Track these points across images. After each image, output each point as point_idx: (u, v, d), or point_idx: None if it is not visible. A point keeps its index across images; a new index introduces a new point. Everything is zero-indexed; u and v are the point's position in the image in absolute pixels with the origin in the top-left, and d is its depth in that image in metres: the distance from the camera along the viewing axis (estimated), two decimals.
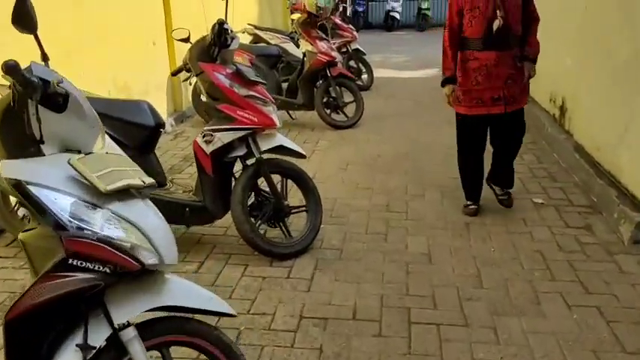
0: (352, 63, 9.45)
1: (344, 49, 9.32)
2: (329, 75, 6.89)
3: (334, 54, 6.90)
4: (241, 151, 3.64)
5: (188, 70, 3.83)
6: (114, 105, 3.55)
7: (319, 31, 6.95)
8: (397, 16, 19.49)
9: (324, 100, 7.03)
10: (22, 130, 1.70)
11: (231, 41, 3.65)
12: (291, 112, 7.15)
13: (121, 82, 6.05)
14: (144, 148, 3.60)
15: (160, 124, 3.67)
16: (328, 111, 7.05)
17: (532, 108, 6.85)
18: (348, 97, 7.20)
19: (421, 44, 15.91)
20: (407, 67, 11.80)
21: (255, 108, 3.61)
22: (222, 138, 3.55)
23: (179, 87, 7.50)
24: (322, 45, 6.84)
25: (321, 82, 7.00)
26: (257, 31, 9.29)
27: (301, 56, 7.19)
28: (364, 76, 9.58)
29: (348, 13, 20.52)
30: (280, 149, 3.78)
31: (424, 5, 19.34)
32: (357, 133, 6.82)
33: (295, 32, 7.53)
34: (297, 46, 8.08)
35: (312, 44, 6.83)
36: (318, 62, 6.81)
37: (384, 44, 16.10)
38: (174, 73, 4.12)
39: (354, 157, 5.95)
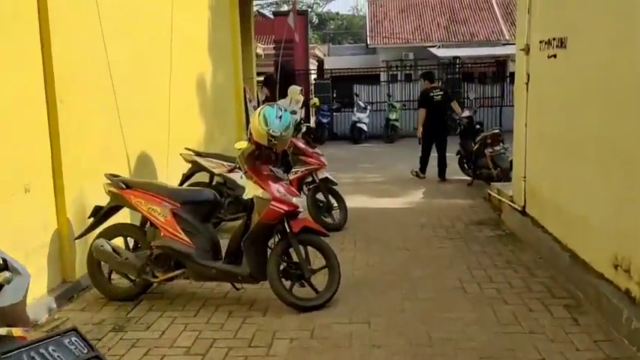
0: (320, 196, 7.20)
1: (309, 179, 7.10)
2: (289, 232, 4.56)
3: (295, 201, 4.59)
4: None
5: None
6: None
7: (273, 169, 4.64)
8: (364, 127, 17.72)
9: (282, 267, 4.64)
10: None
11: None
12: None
13: None
14: None
15: None
16: (288, 284, 4.63)
17: (580, 272, 4.64)
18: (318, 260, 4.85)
19: (393, 158, 13.95)
20: (385, 192, 9.60)
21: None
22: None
23: (72, 247, 5.03)
24: (277, 189, 4.53)
25: (276, 241, 4.65)
26: (197, 158, 7.05)
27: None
28: (336, 212, 7.30)
29: (312, 123, 18.72)
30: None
31: (392, 116, 17.67)
32: (339, 335, 4.39)
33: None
34: None
35: (262, 188, 4.52)
36: (271, 214, 4.48)
37: (352, 160, 14.07)
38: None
39: None
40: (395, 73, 25.68)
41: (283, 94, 18.99)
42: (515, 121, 7.35)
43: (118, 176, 4.88)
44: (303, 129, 7.38)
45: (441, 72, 20.30)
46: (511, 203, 7.25)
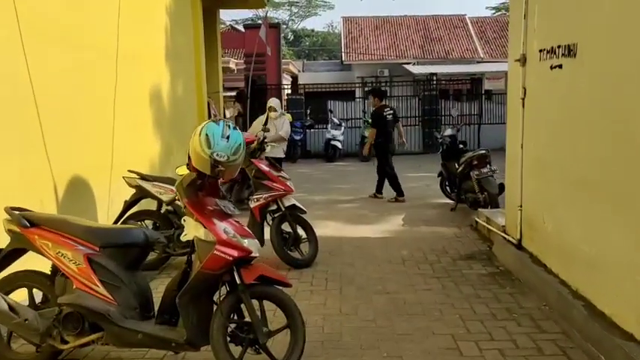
0: (286, 227, 6.15)
1: (274, 207, 6.06)
2: (239, 283, 3.49)
3: (247, 244, 3.52)
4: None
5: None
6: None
7: (220, 203, 3.57)
8: (338, 144, 16.75)
9: (231, 330, 3.56)
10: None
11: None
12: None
13: None
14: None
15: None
16: (238, 350, 3.55)
17: (600, 330, 3.70)
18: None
19: (370, 179, 12.95)
20: (361, 218, 8.59)
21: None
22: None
23: None
24: (224, 229, 3.47)
25: (223, 294, 3.58)
26: (142, 182, 5.96)
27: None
28: (305, 245, 6.26)
29: None
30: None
31: (368, 133, 16.70)
32: None
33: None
34: None
35: (203, 226, 3.45)
36: (216, 261, 3.40)
37: (325, 180, 13.06)
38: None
39: None
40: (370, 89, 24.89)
41: (255, 110, 18.00)
42: (508, 141, 6.43)
43: (24, 210, 3.77)
44: (268, 149, 6.34)
45: (417, 89, 19.54)
46: (504, 235, 6.31)
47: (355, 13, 35.96)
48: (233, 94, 24.25)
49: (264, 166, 6.04)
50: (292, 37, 57.88)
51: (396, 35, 34.02)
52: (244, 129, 15.01)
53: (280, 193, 5.97)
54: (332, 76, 31.14)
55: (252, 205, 5.97)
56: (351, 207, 9.63)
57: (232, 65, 29.71)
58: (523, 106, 5.78)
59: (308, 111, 18.57)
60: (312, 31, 59.18)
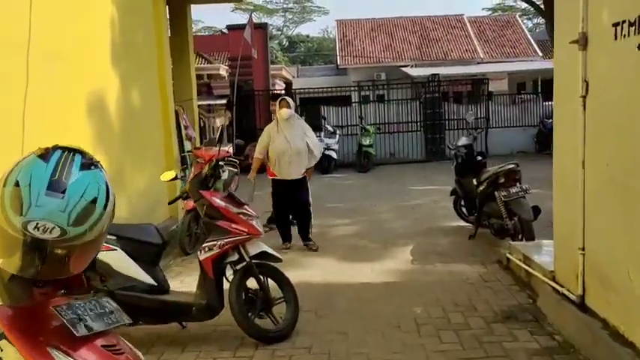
0: (252, 283, 4.31)
1: (234, 257, 4.23)
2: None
3: None
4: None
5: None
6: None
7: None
8: (333, 154, 14.90)
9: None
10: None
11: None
12: None
13: None
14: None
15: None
16: None
17: None
18: None
19: (370, 195, 11.16)
20: (359, 253, 6.73)
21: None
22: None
23: None
24: None
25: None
26: None
27: None
28: (280, 308, 4.42)
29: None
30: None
31: (366, 141, 14.92)
32: None
33: None
34: None
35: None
36: None
37: (318, 197, 11.15)
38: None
39: None
40: (367, 93, 23.11)
41: (242, 119, 16.15)
42: (557, 155, 4.61)
43: None
44: (224, 175, 4.55)
45: (416, 91, 17.79)
46: (555, 285, 4.48)
47: (350, 17, 34.15)
48: (224, 101, 22.49)
49: (218, 201, 4.21)
50: (287, 44, 56.19)
51: (392, 37, 32.25)
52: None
53: (242, 237, 4.14)
54: (327, 80, 29.27)
55: (202, 256, 4.12)
56: (348, 234, 7.80)
57: (223, 72, 27.87)
58: (584, 107, 3.96)
59: (302, 118, 16.65)
60: (307, 36, 57.51)
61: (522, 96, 18.36)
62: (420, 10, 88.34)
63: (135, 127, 7.43)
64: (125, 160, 7.02)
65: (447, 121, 16.28)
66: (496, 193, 6.22)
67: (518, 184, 6.14)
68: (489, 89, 19.46)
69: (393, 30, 32.73)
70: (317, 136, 16.36)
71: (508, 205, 6.05)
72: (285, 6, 56.40)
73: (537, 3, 16.31)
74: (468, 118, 8.52)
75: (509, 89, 23.30)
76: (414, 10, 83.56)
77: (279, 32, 57.89)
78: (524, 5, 52.07)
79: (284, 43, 55.58)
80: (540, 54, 30.92)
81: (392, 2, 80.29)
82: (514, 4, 53.51)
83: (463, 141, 7.27)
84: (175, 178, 4.52)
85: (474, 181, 7.01)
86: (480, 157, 7.18)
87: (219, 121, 32.09)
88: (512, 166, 6.29)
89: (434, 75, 16.42)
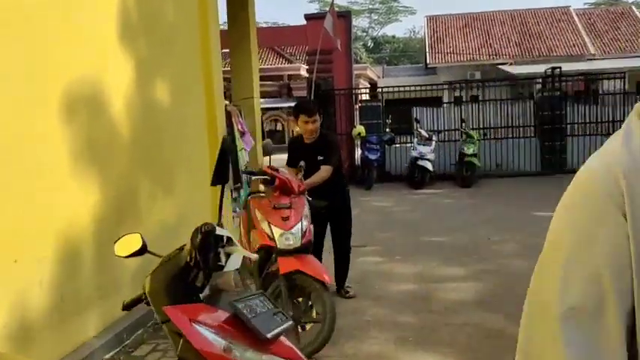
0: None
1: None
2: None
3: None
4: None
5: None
6: None
7: None
8: (428, 165, 11.99)
9: None
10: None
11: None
12: None
13: None
14: None
15: None
16: None
17: None
18: None
19: (481, 220, 8.25)
20: (492, 344, 3.96)
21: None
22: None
23: None
24: None
25: None
26: None
27: None
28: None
29: (357, 160, 13.22)
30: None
31: (469, 150, 11.90)
32: None
33: None
34: None
35: None
36: None
37: (412, 223, 8.41)
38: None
39: None
40: (459, 94, 19.89)
41: (321, 123, 13.63)
42: None
43: None
44: (229, 264, 1.91)
45: (513, 91, 14.57)
46: None
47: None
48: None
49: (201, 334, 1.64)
50: (372, 45, 53.43)
51: (489, 33, 28.71)
52: None
53: None
54: (416, 80, 26.35)
55: None
56: (466, 301, 4.96)
57: (303, 72, 25.67)
58: None
59: (388, 121, 14.08)
60: (393, 37, 54.44)
61: None
62: (518, 3, 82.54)
63: (160, 133, 5.04)
64: (150, 183, 4.65)
65: (567, 126, 12.93)
66: None
67: None
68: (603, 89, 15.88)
69: (489, 25, 29.16)
70: (408, 143, 13.75)
71: None
72: (370, 6, 53.72)
73: None
74: None
75: (628, 88, 19.40)
76: (511, 4, 78.17)
77: (364, 33, 55.26)
78: None
79: (369, 44, 52.88)
80: None
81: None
82: None
83: None
84: (141, 251, 1.96)
85: None
86: None
87: (267, 126, 30.14)
88: None
89: (554, 68, 13.10)
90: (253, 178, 5.05)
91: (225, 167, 2.43)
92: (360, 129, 12.66)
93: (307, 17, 14.50)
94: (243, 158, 7.06)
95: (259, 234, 3.88)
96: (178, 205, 5.27)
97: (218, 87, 6.34)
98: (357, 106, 14.75)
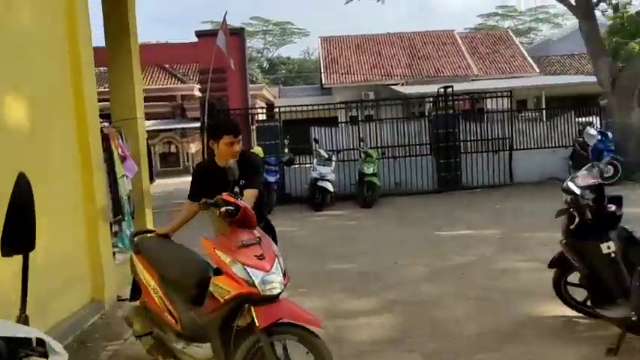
0: None
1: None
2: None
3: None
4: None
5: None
6: None
7: None
8: (329, 186, 11.61)
9: None
10: None
11: None
12: None
13: None
14: None
15: None
16: None
17: None
18: None
19: (387, 243, 7.91)
20: None
21: None
22: None
23: None
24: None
25: None
26: None
27: None
28: None
29: None
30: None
31: (369, 169, 11.66)
32: None
33: None
34: None
35: None
36: None
37: (315, 248, 7.87)
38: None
39: None
40: (354, 114, 19.81)
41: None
42: None
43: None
44: None
45: (406, 110, 14.78)
46: None
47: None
48: (198, 124, 19.23)
49: None
50: (268, 66, 53.25)
51: (380, 54, 29.36)
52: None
53: None
54: (312, 101, 26.31)
55: None
56: (375, 339, 4.44)
57: (197, 92, 24.63)
58: None
59: (287, 141, 13.60)
60: (288, 58, 54.64)
61: (551, 111, 15.34)
62: (404, 27, 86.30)
63: (28, 160, 4.11)
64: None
65: (461, 143, 13.15)
66: None
67: None
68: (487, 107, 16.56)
69: (381, 47, 29.84)
70: (307, 163, 13.33)
71: None
72: (264, 28, 53.63)
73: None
74: (588, 139, 5.26)
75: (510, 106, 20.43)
76: (400, 26, 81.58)
77: (260, 54, 54.98)
78: (507, 24, 50.03)
79: (264, 65, 52.63)
80: (537, 70, 28.27)
81: (375, 21, 78.23)
82: (496, 23, 51.50)
83: (587, 179, 4.01)
84: None
85: (607, 248, 3.84)
86: (612, 207, 3.96)
87: (194, 147, 28.80)
88: None
89: (446, 87, 13.30)
90: (214, 209, 3.73)
91: (24, 222, 1.60)
92: (257, 150, 12.04)
93: (198, 34, 13.75)
94: (125, 186, 6.17)
95: (229, 281, 3.11)
96: (53, 234, 4.34)
97: (91, 106, 5.45)
98: (254, 127, 14.13)
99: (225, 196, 3.28)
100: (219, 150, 3.82)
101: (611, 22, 21.27)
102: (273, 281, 3.08)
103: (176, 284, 3.53)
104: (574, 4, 13.20)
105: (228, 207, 3.19)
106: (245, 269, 3.06)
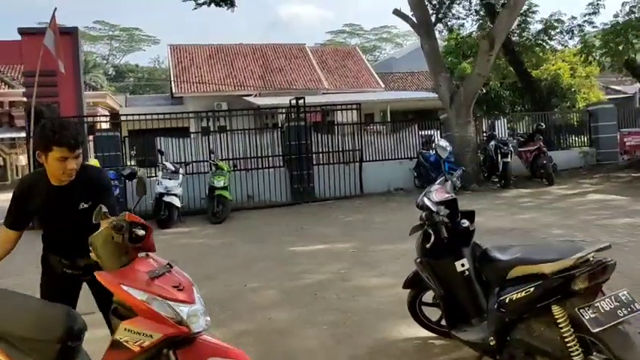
0: None
1: None
2: None
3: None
4: None
5: None
6: None
7: None
8: (176, 201, 10.68)
9: None
10: None
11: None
12: None
13: None
14: None
15: None
16: None
17: None
18: None
19: (237, 262, 7.30)
20: None
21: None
22: None
23: None
24: None
25: None
26: None
27: None
28: None
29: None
30: None
31: (219, 182, 10.96)
32: None
33: None
34: None
35: None
36: None
37: None
38: None
39: None
40: (206, 125, 18.99)
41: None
42: None
43: None
44: None
45: (259, 121, 14.44)
46: None
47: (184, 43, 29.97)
48: (23, 134, 17.04)
49: None
50: (114, 73, 49.92)
51: (233, 65, 28.79)
52: None
53: None
54: (162, 110, 24.91)
55: None
56: None
57: (24, 98, 21.91)
58: None
59: (133, 153, 12.33)
60: (137, 66, 51.78)
61: (397, 124, 15.81)
62: (257, 38, 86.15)
63: None
64: None
65: (314, 155, 13.01)
66: (557, 308, 2.82)
67: (604, 293, 2.82)
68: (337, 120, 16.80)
69: (233, 58, 29.27)
70: (152, 176, 12.26)
71: (603, 341, 2.67)
72: (111, 33, 50.34)
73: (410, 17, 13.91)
74: (440, 152, 4.98)
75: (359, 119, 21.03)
76: (252, 39, 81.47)
77: (105, 61, 51.43)
78: (354, 42, 52.25)
79: (110, 72, 49.26)
80: (382, 85, 29.62)
81: (228, 31, 77.37)
82: (344, 40, 53.58)
83: (441, 194, 3.76)
84: None
85: (462, 266, 3.64)
86: (465, 222, 3.77)
87: (24, 159, 25.64)
88: (606, 255, 2.89)
89: (298, 99, 13.09)
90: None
91: None
92: (94, 162, 10.76)
93: (22, 32, 12.03)
94: None
95: (148, 323, 2.45)
96: None
97: None
98: (92, 137, 12.72)
99: (131, 216, 2.68)
100: (49, 166, 2.88)
101: (445, 42, 22.96)
102: (201, 314, 2.56)
103: (28, 345, 2.51)
104: (416, 22, 13.77)
105: (138, 230, 2.63)
106: (168, 304, 2.48)
